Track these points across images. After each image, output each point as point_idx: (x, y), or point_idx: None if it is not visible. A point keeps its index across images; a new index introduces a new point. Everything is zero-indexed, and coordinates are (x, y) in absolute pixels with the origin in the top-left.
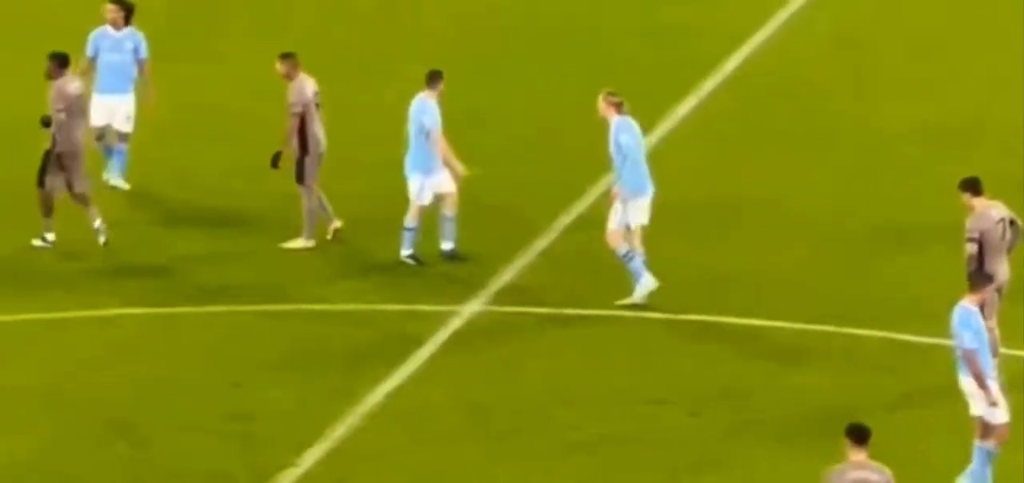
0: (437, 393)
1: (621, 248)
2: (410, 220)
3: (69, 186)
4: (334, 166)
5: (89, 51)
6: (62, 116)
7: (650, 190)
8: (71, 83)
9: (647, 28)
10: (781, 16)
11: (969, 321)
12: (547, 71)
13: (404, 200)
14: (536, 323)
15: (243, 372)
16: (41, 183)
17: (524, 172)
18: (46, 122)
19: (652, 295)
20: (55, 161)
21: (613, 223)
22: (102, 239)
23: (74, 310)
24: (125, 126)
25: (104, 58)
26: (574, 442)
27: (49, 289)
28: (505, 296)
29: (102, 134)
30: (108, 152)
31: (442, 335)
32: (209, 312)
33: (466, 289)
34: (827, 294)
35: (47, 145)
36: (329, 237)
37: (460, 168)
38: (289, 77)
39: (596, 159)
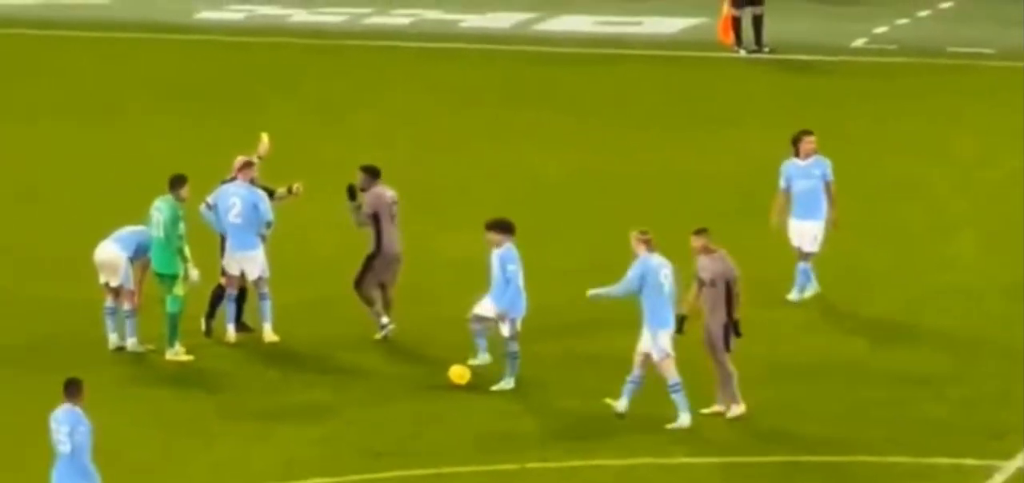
0: None
1: (672, 376)
2: None
3: (382, 286)
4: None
5: (782, 183)
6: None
7: (672, 323)
8: (387, 192)
9: None
10: None
11: None
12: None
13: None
14: None
15: None
16: (358, 284)
17: None
18: (352, 193)
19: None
20: (372, 264)
21: (641, 347)
22: (381, 334)
23: (644, 456)
24: (812, 247)
25: (796, 186)
26: None
27: (617, 435)
28: None
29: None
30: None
31: None
32: (756, 462)
33: (1010, 444)
34: None
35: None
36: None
37: None
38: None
39: None
